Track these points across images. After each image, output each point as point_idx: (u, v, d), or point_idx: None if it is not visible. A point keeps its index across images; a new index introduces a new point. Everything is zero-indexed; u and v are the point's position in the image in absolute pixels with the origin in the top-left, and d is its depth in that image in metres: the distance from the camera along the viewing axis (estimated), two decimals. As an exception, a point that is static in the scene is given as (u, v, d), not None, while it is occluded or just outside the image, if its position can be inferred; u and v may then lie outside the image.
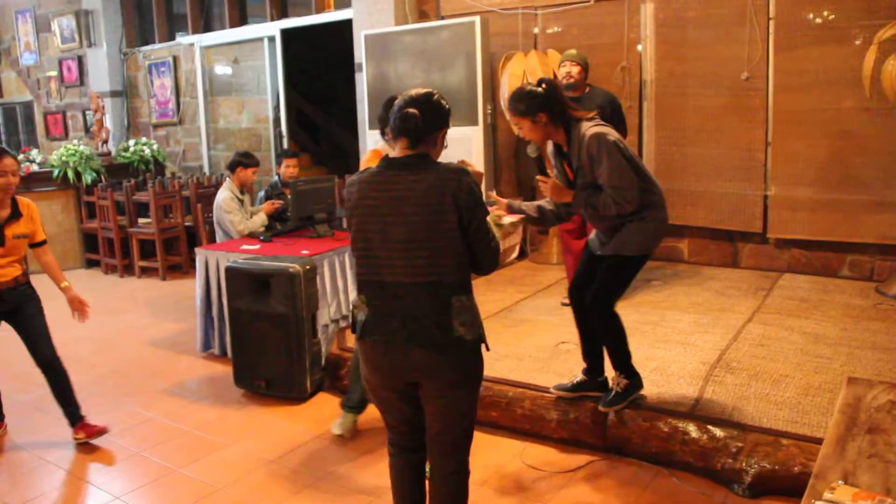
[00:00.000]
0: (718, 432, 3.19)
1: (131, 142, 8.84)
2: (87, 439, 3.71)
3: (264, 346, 4.18)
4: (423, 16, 7.43)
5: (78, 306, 3.79)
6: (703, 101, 5.95)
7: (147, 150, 8.72)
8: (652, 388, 3.61)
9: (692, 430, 3.25)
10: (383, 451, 3.47)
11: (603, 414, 3.44)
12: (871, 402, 2.04)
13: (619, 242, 3.20)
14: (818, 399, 3.44)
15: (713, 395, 3.52)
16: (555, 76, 6.15)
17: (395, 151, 2.39)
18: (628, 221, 3.16)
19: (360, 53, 7.21)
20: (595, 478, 3.24)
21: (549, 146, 3.27)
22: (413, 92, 2.38)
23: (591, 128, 3.07)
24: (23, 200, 3.71)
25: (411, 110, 2.30)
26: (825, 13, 5.43)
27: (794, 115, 5.65)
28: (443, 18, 7.17)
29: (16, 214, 3.65)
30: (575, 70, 5.07)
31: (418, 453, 2.54)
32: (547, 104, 3.07)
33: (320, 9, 8.26)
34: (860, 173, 5.46)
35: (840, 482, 1.56)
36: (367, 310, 2.33)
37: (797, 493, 2.94)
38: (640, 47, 6.22)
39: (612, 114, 5.11)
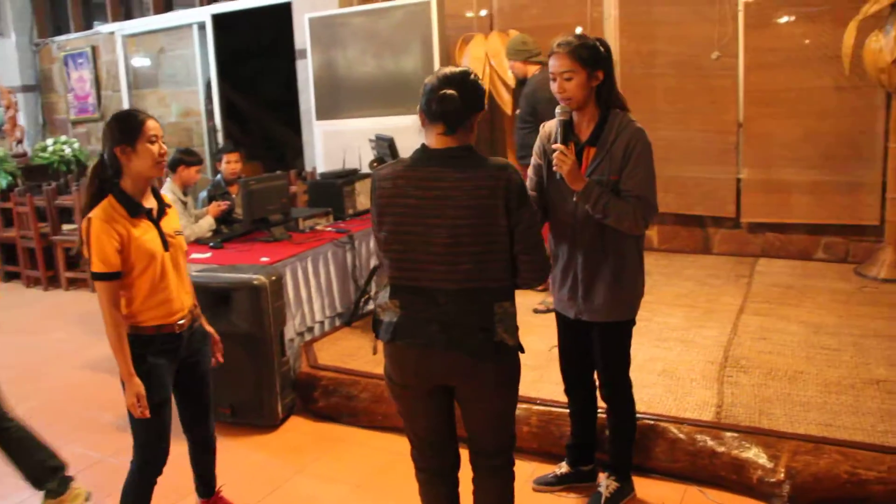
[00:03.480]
0: (751, 441, 2.92)
1: (49, 141, 8.09)
2: None
3: (228, 369, 3.68)
4: (367, -2, 6.97)
5: (213, 345, 2.86)
6: (672, 83, 5.72)
7: (67, 150, 7.99)
8: (666, 394, 3.33)
9: (721, 440, 2.97)
10: (380, 482, 3.13)
11: (620, 428, 3.13)
12: None
13: (606, 307, 2.63)
14: (843, 398, 3.21)
15: (734, 399, 3.25)
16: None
17: (429, 139, 2.12)
18: (619, 268, 2.61)
19: (303, 39, 6.72)
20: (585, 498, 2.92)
21: (552, 126, 2.61)
22: (447, 70, 2.13)
23: (633, 120, 2.57)
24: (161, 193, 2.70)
25: (449, 91, 2.05)
26: (797, -12, 5.26)
27: (766, 95, 5.48)
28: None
29: (162, 204, 2.64)
30: (513, 67, 5.03)
31: (450, 477, 2.37)
32: (610, 68, 2.57)
33: (254, -8, 7.70)
34: (835, 153, 5.33)
35: None
36: (400, 312, 2.14)
37: (843, 503, 2.73)
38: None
39: (540, 102, 4.78)
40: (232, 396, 3.72)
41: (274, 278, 3.72)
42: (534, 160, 2.73)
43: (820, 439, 2.85)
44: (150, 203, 2.57)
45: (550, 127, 2.66)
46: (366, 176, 5.56)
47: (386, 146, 4.23)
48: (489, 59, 5.76)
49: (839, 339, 3.89)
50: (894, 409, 3.07)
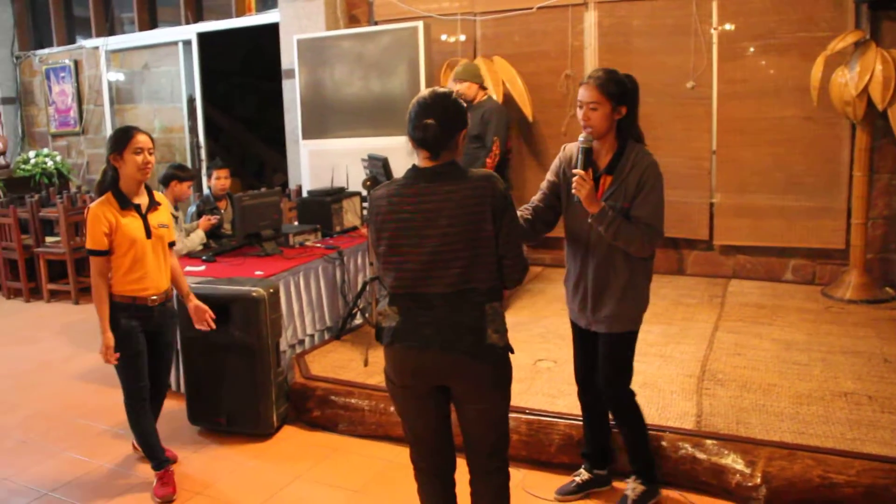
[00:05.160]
0: (729, 448, 3.10)
1: (31, 153, 8.10)
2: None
3: (224, 379, 3.80)
4: (353, 20, 7.16)
5: (202, 315, 3.44)
6: (649, 110, 5.85)
7: (50, 163, 8.01)
8: (649, 405, 3.48)
9: (702, 447, 3.15)
10: (379, 488, 3.25)
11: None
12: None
13: (610, 318, 2.84)
14: (814, 408, 3.41)
15: (712, 410, 3.44)
16: (504, 84, 6.04)
17: (418, 160, 2.33)
18: (626, 285, 2.80)
19: (290, 59, 6.86)
20: (604, 503, 3.08)
21: (573, 149, 2.80)
22: (427, 96, 2.31)
23: (650, 154, 2.78)
24: (155, 191, 3.39)
25: (429, 121, 2.24)
26: (768, 24, 5.54)
27: (738, 123, 5.74)
28: (375, 24, 6.92)
29: (154, 202, 3.31)
30: (462, 87, 5.25)
31: (446, 477, 2.51)
32: (634, 104, 2.78)
33: (241, 12, 7.83)
34: (803, 180, 5.60)
35: None
36: (399, 318, 2.31)
37: (816, 506, 2.91)
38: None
39: (489, 124, 5.14)
40: (228, 406, 3.81)
41: (272, 291, 3.83)
42: (549, 176, 2.94)
43: (794, 446, 3.04)
44: (141, 199, 3.24)
45: (571, 150, 2.86)
46: (353, 194, 5.70)
47: (380, 165, 4.37)
48: (474, 84, 5.94)
49: (809, 355, 4.11)
50: (862, 418, 3.28)
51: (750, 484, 3.00)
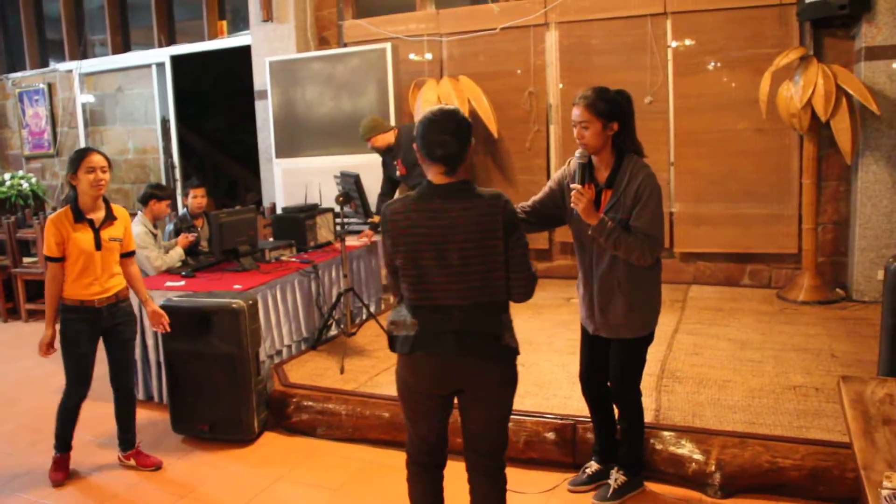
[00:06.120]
0: (686, 438, 3.32)
1: (7, 175, 8.17)
2: (138, 467, 3.71)
3: (206, 388, 3.94)
4: (323, 42, 7.37)
5: (158, 319, 3.71)
6: (610, 124, 6.21)
7: (25, 185, 8.09)
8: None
9: (660, 438, 3.36)
10: (358, 487, 3.43)
11: (571, 431, 3.50)
12: (872, 397, 2.19)
13: (617, 326, 3.00)
14: (765, 401, 3.64)
15: (670, 404, 3.65)
16: (470, 102, 6.27)
17: (431, 176, 2.41)
18: (631, 293, 2.93)
19: (262, 80, 7.04)
20: (572, 496, 3.27)
21: (574, 164, 2.92)
22: (437, 113, 2.39)
23: (646, 165, 2.88)
24: (115, 205, 3.64)
25: (446, 137, 2.34)
26: (719, 41, 5.85)
27: (694, 136, 6.03)
28: (345, 45, 7.14)
29: (110, 217, 3.56)
30: (379, 141, 5.41)
31: (437, 472, 2.62)
32: (626, 119, 2.88)
33: (213, 35, 8.00)
34: (756, 189, 5.89)
35: (892, 472, 1.67)
36: (418, 327, 2.39)
37: (766, 488, 3.13)
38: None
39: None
40: (210, 414, 3.95)
41: (251, 302, 3.99)
42: (550, 183, 3.11)
43: (745, 434, 3.27)
44: (97, 214, 3.51)
45: (574, 164, 2.98)
46: (326, 210, 5.87)
47: (352, 182, 4.56)
48: (441, 103, 6.16)
49: (762, 353, 4.36)
50: (808, 408, 3.52)
51: (705, 471, 3.21)
